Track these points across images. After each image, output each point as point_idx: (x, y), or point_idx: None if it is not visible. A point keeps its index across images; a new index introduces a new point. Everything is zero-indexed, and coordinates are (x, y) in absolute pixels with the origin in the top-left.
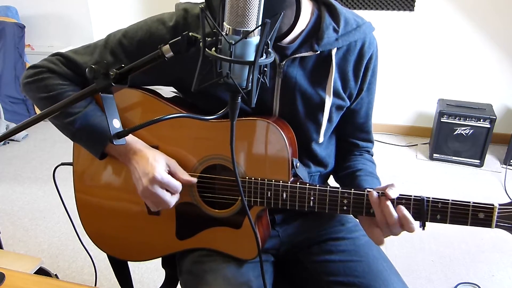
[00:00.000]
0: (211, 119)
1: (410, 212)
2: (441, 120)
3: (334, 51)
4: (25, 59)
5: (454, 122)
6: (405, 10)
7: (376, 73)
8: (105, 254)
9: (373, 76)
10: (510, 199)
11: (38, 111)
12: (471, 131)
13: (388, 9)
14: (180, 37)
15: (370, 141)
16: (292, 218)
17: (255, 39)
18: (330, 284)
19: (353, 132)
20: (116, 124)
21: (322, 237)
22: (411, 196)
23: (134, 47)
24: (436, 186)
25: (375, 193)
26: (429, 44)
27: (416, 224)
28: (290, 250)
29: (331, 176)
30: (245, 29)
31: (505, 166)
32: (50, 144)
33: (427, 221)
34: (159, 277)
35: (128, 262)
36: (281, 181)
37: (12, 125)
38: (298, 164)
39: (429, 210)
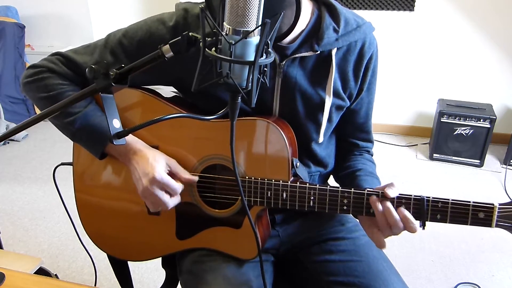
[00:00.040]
0: (211, 119)
1: (410, 212)
2: (441, 120)
3: (334, 51)
4: (25, 59)
5: (454, 122)
6: (405, 10)
7: (376, 73)
8: (105, 254)
9: (373, 76)
10: (510, 199)
11: (38, 111)
12: (471, 131)
13: (388, 9)
14: (180, 37)
15: (370, 141)
16: (292, 218)
17: (255, 39)
18: (330, 284)
19: (353, 132)
20: (116, 124)
21: (322, 237)
22: (411, 195)
23: (134, 47)
24: (436, 186)
25: (374, 194)
26: (429, 44)
27: (416, 223)
28: (290, 250)
29: (331, 176)
30: (245, 29)
31: (505, 166)
32: (50, 144)
33: (427, 221)
34: (159, 277)
35: (128, 262)
36: (281, 181)
37: (12, 125)
38: (298, 164)
39: (429, 210)
